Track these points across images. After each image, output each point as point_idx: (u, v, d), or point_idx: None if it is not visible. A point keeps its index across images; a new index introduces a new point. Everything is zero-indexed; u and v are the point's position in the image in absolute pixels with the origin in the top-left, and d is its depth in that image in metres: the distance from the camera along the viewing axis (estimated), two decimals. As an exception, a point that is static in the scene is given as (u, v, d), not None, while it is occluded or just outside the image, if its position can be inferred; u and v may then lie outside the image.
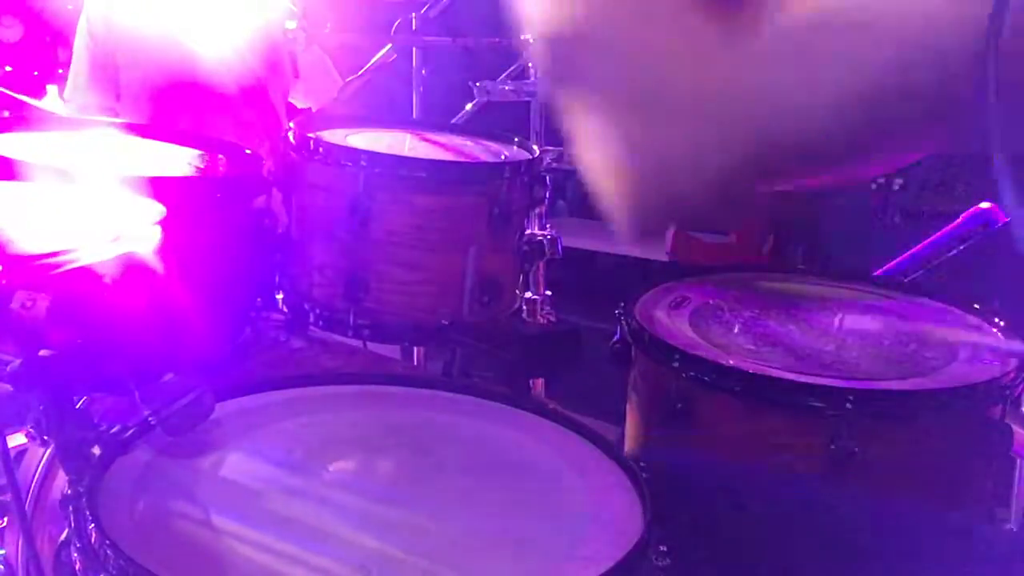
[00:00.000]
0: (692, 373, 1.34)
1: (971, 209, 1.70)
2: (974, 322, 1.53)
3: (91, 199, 1.20)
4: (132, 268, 1.02)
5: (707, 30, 0.69)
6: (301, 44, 2.68)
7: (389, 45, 2.46)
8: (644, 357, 1.45)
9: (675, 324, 1.48)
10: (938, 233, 1.75)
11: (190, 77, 2.51)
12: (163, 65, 2.57)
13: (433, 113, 2.73)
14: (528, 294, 1.73)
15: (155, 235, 1.06)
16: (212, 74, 2.48)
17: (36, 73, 3.61)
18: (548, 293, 1.87)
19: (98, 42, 2.63)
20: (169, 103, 2.56)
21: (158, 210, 1.12)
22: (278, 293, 1.66)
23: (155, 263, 1.03)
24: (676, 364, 1.35)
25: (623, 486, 1.08)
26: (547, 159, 1.88)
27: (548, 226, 1.95)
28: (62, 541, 1.02)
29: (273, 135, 2.57)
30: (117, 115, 2.62)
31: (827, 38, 0.74)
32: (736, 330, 1.48)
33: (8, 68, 3.60)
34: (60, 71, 2.92)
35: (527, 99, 2.14)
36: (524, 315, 1.71)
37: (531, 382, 2.06)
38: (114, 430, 1.07)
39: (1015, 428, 1.36)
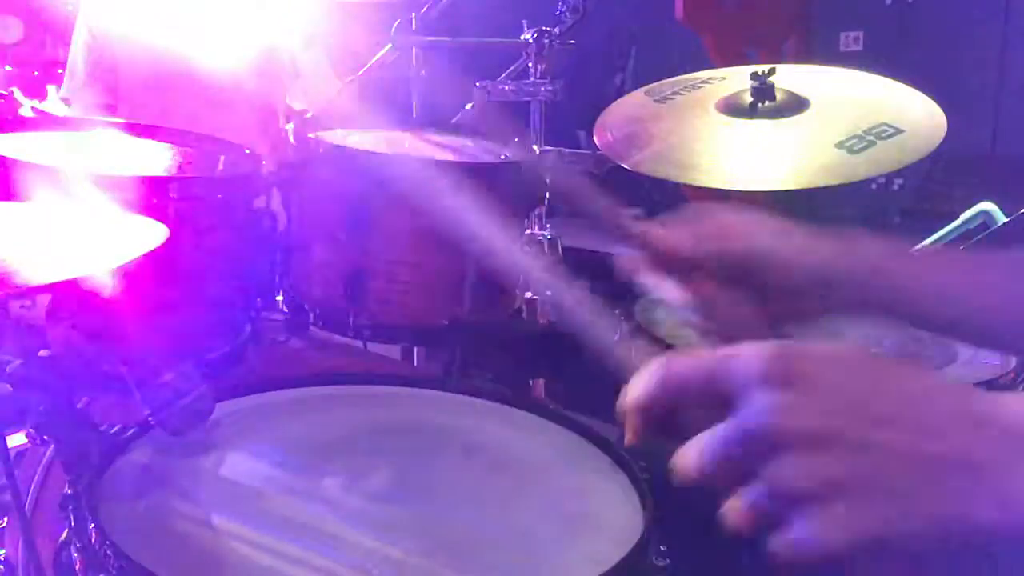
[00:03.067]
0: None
1: (971, 209, 1.70)
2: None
3: (89, 208, 1.19)
4: (132, 268, 1.01)
5: None
6: (300, 44, 2.68)
7: (389, 45, 2.45)
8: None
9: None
10: (938, 233, 1.75)
11: (188, 77, 2.51)
12: (161, 65, 2.58)
13: (433, 113, 2.72)
14: (528, 294, 1.73)
15: (154, 237, 1.06)
16: (210, 74, 2.48)
17: (36, 73, 3.62)
18: (548, 293, 1.87)
19: (97, 40, 2.63)
20: (168, 103, 2.56)
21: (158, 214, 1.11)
22: (278, 293, 1.66)
23: (155, 263, 1.03)
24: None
25: (623, 486, 1.08)
26: (547, 159, 1.88)
27: (548, 226, 1.95)
28: (62, 541, 1.01)
29: (272, 135, 2.57)
30: (115, 113, 2.62)
31: None
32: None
33: (8, 68, 3.61)
34: (60, 71, 2.92)
35: (527, 99, 2.13)
36: (524, 315, 1.71)
37: (531, 382, 2.06)
38: (114, 430, 1.07)
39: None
